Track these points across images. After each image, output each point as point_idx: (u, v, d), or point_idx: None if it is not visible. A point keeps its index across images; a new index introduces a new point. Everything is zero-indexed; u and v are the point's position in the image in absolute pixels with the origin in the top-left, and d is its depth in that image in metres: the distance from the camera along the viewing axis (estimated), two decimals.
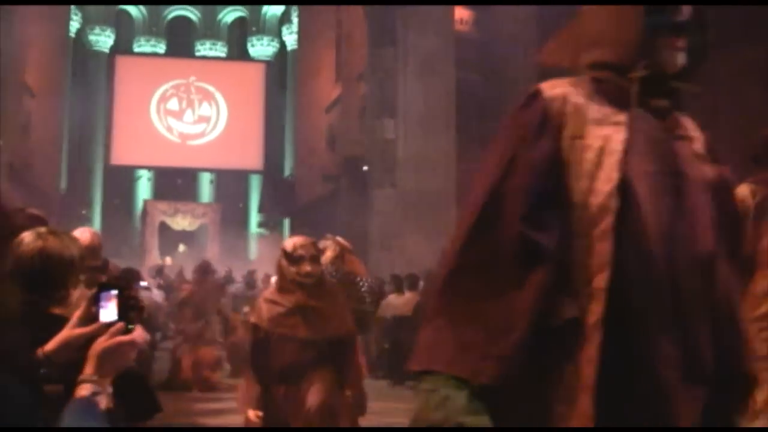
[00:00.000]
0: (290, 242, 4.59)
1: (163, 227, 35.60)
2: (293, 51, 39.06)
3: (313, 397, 4.34)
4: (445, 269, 1.54)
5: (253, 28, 42.33)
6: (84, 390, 1.61)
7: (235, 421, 6.01)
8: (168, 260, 22.23)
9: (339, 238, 5.80)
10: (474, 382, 1.43)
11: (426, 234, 19.50)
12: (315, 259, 4.51)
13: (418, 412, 1.48)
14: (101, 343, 1.70)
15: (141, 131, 36.93)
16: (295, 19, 38.47)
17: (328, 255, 5.58)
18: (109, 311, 1.75)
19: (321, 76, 33.52)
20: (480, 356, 1.44)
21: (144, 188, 39.92)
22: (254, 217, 38.65)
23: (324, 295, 4.54)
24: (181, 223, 36.37)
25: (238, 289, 16.53)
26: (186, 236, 36.19)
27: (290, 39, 39.72)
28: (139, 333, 1.76)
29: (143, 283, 11.42)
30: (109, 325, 1.73)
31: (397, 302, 11.85)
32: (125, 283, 1.82)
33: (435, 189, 20.08)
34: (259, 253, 31.91)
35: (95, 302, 1.78)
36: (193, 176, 40.77)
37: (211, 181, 40.13)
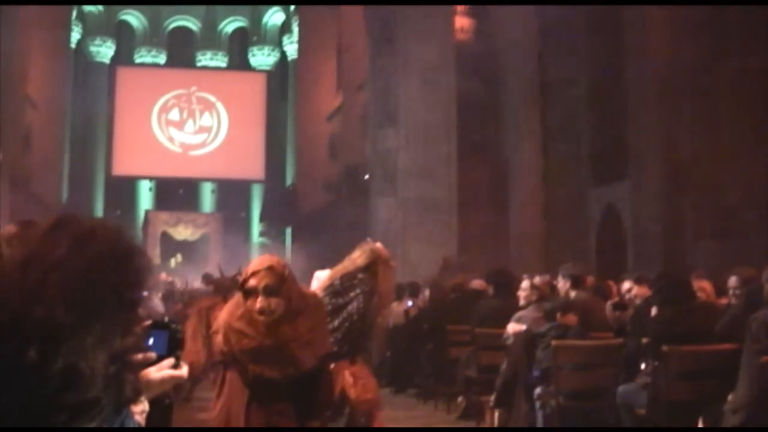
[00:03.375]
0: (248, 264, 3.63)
1: (165, 237, 35.59)
2: (293, 61, 39.11)
3: None
4: None
5: (254, 38, 42.41)
6: (138, 407, 1.78)
7: None
8: (162, 275, 21.91)
9: (379, 245, 4.91)
10: None
11: (427, 242, 19.52)
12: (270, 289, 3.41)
13: None
14: (152, 372, 1.90)
15: (142, 141, 37.00)
16: (295, 29, 38.55)
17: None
18: (157, 345, 1.95)
19: (322, 86, 33.59)
20: None
21: (145, 198, 39.95)
22: (256, 227, 38.64)
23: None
24: (182, 232, 36.39)
25: None
26: (188, 246, 36.16)
27: (291, 49, 39.77)
28: (186, 370, 1.98)
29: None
30: (160, 357, 1.93)
31: (398, 310, 11.82)
32: (176, 326, 2.03)
33: (436, 197, 20.09)
34: None
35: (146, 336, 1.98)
36: (195, 186, 40.77)
37: (213, 191, 40.18)
